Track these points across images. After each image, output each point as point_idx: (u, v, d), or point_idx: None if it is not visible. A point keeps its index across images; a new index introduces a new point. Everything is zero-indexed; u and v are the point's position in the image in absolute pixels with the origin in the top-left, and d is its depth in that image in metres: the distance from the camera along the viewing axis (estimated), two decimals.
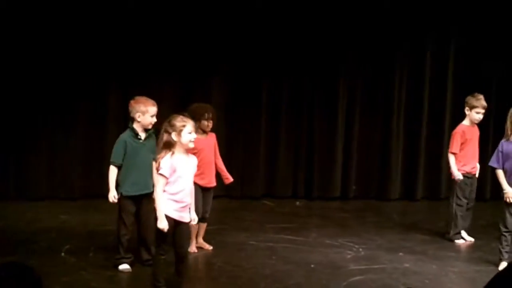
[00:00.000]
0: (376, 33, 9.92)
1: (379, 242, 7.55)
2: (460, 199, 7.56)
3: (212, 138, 6.96)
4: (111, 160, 6.13)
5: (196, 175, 6.82)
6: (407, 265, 6.68)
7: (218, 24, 9.52)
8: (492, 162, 6.70)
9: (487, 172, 9.89)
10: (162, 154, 5.32)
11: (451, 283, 6.23)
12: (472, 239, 7.68)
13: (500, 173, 6.59)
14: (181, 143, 5.29)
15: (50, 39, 9.01)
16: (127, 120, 6.33)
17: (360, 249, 7.19)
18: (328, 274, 6.28)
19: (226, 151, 9.75)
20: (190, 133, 5.32)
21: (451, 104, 10.04)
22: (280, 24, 9.71)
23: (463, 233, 7.67)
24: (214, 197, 8.89)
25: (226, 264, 6.60)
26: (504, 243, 6.56)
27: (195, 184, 6.81)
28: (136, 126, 6.16)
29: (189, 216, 5.45)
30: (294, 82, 9.89)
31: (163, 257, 5.40)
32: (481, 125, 9.67)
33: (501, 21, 10.05)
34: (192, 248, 6.84)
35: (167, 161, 5.28)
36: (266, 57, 9.73)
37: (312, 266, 6.52)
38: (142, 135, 6.16)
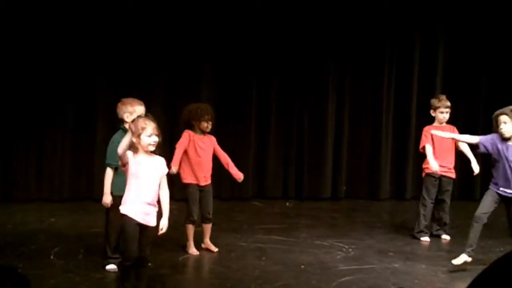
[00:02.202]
0: (365, 33, 9.95)
1: (368, 242, 7.56)
2: (424, 198, 7.68)
3: (209, 139, 6.95)
4: (107, 162, 6.06)
5: (188, 175, 6.83)
6: (396, 265, 6.69)
7: (208, 23, 9.52)
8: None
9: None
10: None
11: (441, 282, 6.24)
12: (448, 237, 7.73)
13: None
14: (140, 145, 5.16)
15: (39, 40, 8.98)
16: (116, 121, 6.31)
17: (350, 249, 7.19)
18: (318, 274, 6.27)
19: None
20: (149, 136, 5.16)
21: None
22: (270, 24, 9.72)
23: (443, 234, 7.76)
24: None
25: (215, 265, 6.58)
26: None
27: (192, 185, 6.83)
28: (126, 126, 6.14)
29: (155, 221, 5.23)
30: (284, 82, 9.90)
31: (129, 263, 5.23)
32: (470, 124, 9.75)
33: (490, 20, 10.09)
34: (192, 250, 6.83)
35: (130, 157, 5.14)
36: (255, 57, 9.74)
37: (302, 266, 6.51)
38: None
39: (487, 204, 6.48)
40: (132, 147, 5.18)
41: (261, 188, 9.96)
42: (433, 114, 7.73)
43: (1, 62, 8.92)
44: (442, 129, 7.62)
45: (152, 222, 5.24)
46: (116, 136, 6.17)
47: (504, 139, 6.44)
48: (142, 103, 6.21)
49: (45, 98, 9.06)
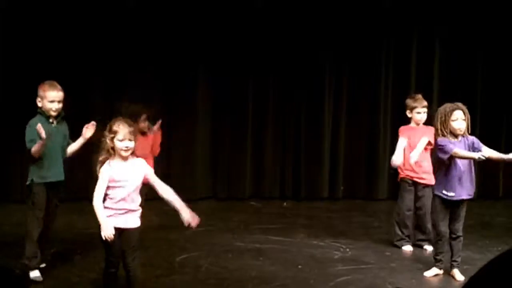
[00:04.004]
0: (362, 32, 9.94)
1: (366, 242, 7.56)
2: (399, 206, 7.40)
3: (150, 138, 7.15)
4: (29, 145, 5.82)
5: None
6: (393, 265, 6.69)
7: (204, 23, 9.51)
8: (449, 150, 6.09)
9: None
10: (103, 158, 4.99)
11: (438, 282, 6.25)
12: (430, 248, 7.10)
13: (459, 150, 6.08)
14: (115, 149, 4.96)
15: (34, 41, 8.95)
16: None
17: (347, 249, 7.18)
18: (315, 274, 6.27)
19: (213, 152, 9.75)
20: (121, 141, 4.93)
21: (437, 103, 10.04)
22: (267, 23, 9.71)
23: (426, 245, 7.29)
24: (201, 199, 8.87)
25: (213, 265, 6.57)
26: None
27: None
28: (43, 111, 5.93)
29: (134, 221, 5.03)
30: (280, 82, 9.89)
31: (112, 270, 5.08)
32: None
33: (488, 21, 10.09)
34: None
35: (106, 170, 4.94)
36: (252, 56, 9.72)
37: (299, 266, 6.51)
38: (54, 120, 5.96)
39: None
40: (107, 150, 4.98)
41: (258, 188, 9.95)
42: (409, 115, 7.33)
43: None
44: (418, 130, 7.25)
45: (129, 223, 5.03)
46: (35, 120, 5.91)
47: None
48: (58, 89, 5.91)
49: None
